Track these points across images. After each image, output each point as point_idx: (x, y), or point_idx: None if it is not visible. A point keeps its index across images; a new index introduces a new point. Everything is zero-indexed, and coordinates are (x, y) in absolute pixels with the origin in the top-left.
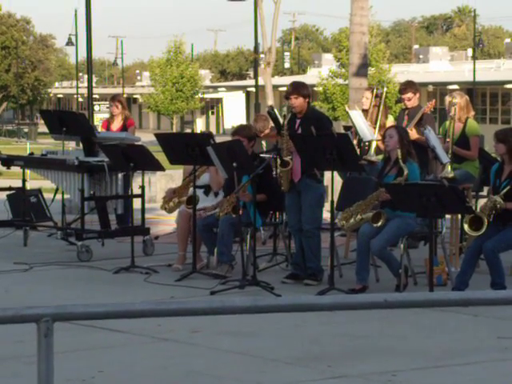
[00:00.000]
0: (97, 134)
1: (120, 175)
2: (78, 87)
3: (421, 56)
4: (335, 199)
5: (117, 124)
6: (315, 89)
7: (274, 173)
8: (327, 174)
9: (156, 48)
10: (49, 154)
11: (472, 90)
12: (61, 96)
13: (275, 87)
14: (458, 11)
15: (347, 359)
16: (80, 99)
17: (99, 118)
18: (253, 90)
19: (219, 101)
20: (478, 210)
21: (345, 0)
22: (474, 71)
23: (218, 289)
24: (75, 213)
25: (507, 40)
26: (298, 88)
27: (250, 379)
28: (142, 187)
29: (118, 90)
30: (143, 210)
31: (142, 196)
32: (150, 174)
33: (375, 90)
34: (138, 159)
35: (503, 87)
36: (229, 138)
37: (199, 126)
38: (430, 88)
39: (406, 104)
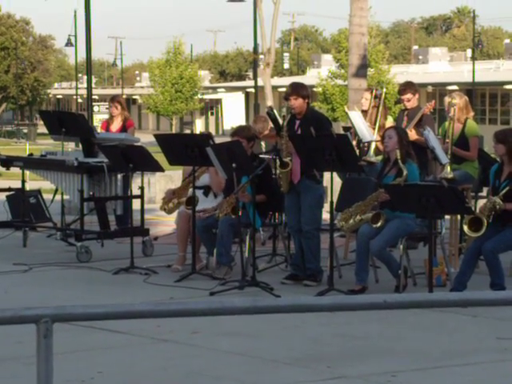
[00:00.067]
0: (96, 135)
1: (119, 176)
2: (77, 88)
3: (420, 57)
4: (334, 200)
5: (116, 125)
6: (314, 89)
7: (274, 173)
8: (326, 175)
9: (155, 49)
10: (48, 155)
11: (471, 90)
12: (60, 97)
13: (274, 88)
14: (458, 12)
15: (346, 360)
16: (79, 100)
17: (98, 118)
18: (252, 90)
19: (218, 101)
20: (477, 210)
21: (344, 1)
22: (474, 72)
23: (217, 289)
24: (75, 214)
25: (506, 41)
26: (297, 89)
27: (249, 380)
28: (142, 188)
29: (118, 91)
30: (142, 210)
31: (141, 197)
32: (150, 174)
33: (374, 91)
34: (137, 160)
35: (502, 88)
36: (228, 139)
37: (198, 126)
38: (430, 89)
39: (405, 105)
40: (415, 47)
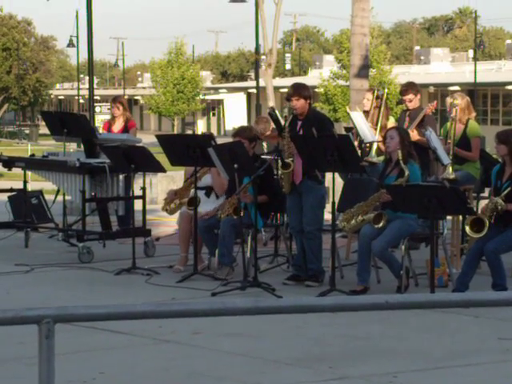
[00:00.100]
0: (98, 136)
1: (121, 177)
2: (79, 89)
3: (422, 57)
4: (336, 200)
5: (118, 125)
6: (316, 90)
7: (276, 174)
8: (328, 176)
9: (157, 49)
10: (50, 156)
11: (473, 91)
12: (62, 97)
13: (276, 88)
14: (459, 12)
15: (348, 360)
16: (81, 101)
17: (100, 119)
18: (254, 91)
19: (220, 102)
20: (479, 211)
21: (346, 1)
22: (475, 72)
23: (219, 290)
24: (76, 214)
25: (508, 41)
26: (299, 90)
27: (251, 380)
28: (143, 189)
29: (119, 92)
30: (144, 211)
31: (143, 197)
32: (151, 175)
33: (376, 92)
34: (139, 161)
35: (504, 88)
36: (230, 140)
37: (200, 127)
38: (431, 89)
39: (407, 105)
40: (417, 48)
